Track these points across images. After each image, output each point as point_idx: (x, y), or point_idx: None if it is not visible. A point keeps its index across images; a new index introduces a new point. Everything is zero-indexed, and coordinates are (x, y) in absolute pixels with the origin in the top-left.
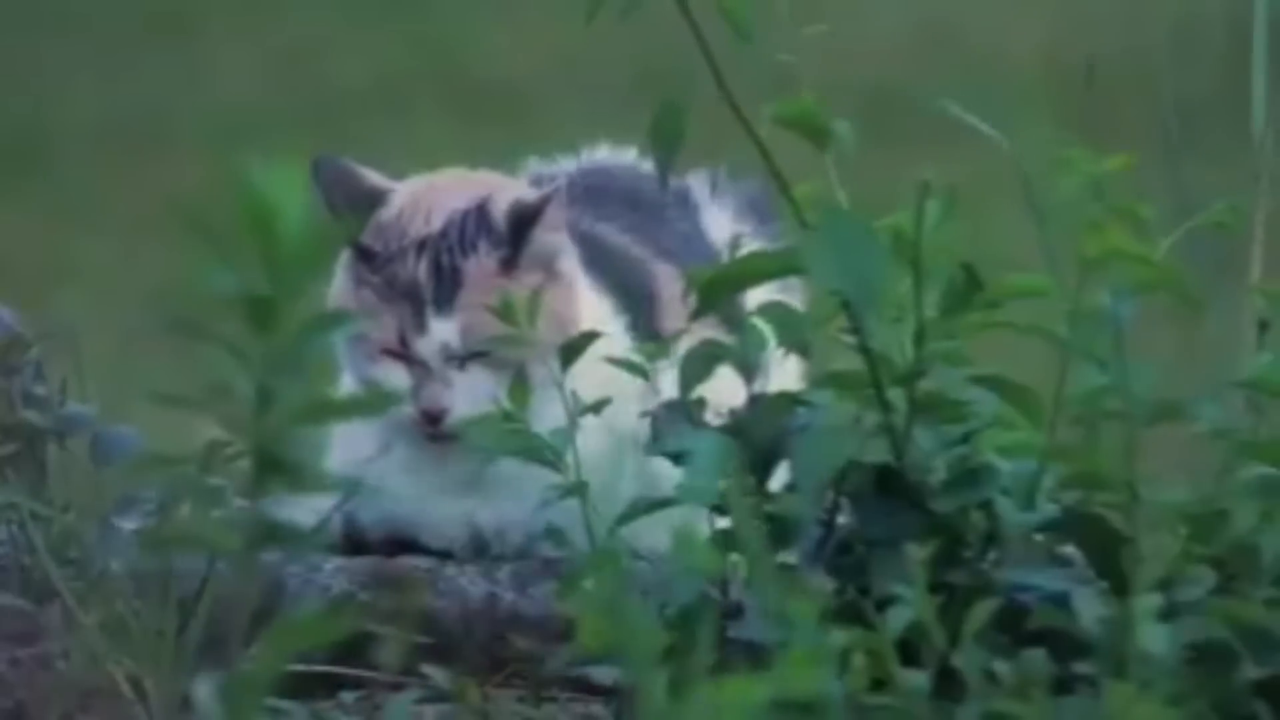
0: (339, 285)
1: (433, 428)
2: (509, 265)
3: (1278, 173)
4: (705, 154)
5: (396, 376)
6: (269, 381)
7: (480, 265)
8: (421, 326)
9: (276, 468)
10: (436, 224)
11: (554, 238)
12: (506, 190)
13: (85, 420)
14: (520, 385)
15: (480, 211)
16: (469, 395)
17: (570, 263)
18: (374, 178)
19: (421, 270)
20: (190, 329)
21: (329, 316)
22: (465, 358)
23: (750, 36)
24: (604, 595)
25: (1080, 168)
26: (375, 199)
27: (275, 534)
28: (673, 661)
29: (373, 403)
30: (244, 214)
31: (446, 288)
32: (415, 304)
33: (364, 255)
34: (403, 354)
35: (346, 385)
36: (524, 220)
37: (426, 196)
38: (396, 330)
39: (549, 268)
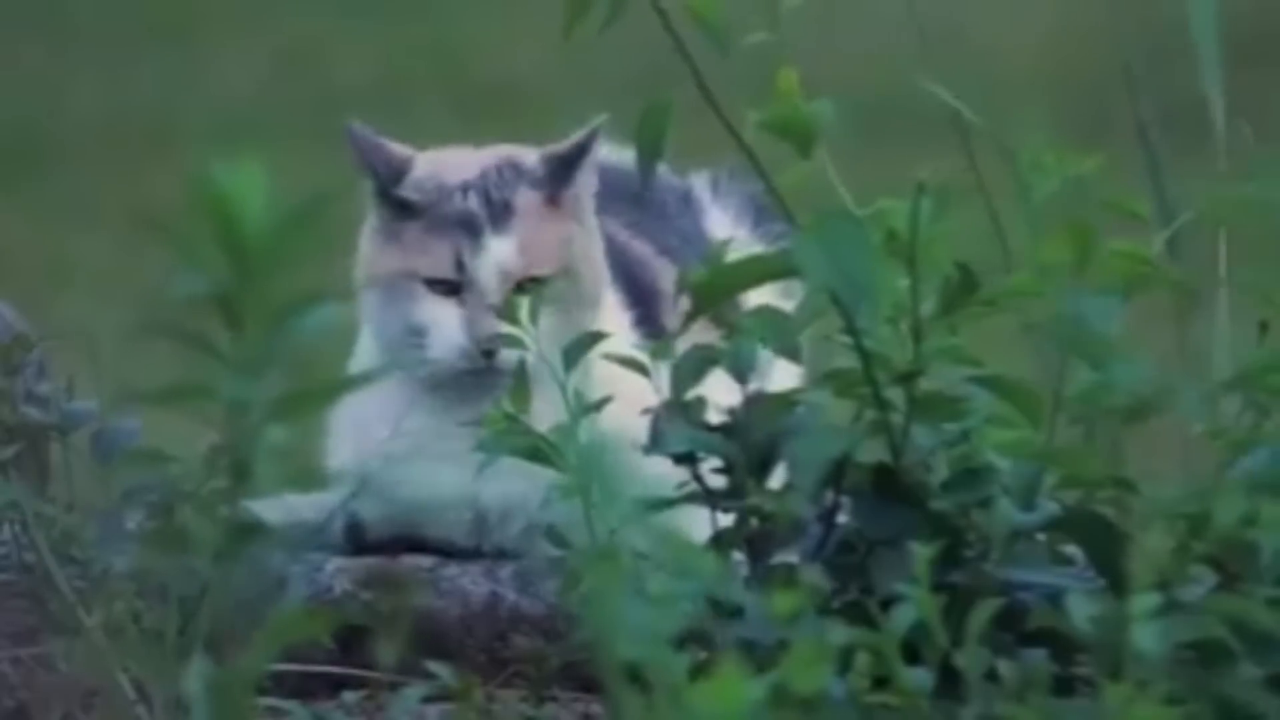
0: (368, 251)
1: (486, 360)
2: (553, 202)
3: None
4: (708, 154)
5: (446, 314)
6: (240, 379)
7: (527, 199)
8: (479, 247)
9: (247, 467)
10: (473, 173)
11: (591, 179)
12: (523, 153)
13: (87, 416)
14: (521, 385)
15: (512, 163)
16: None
17: (593, 218)
18: (397, 145)
19: (473, 202)
20: (168, 329)
21: (296, 307)
22: (521, 284)
23: (725, 44)
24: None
25: (1058, 168)
26: (400, 163)
27: (260, 534)
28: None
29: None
30: (208, 213)
31: (499, 214)
32: (471, 229)
33: (403, 207)
34: (458, 283)
35: (366, 353)
36: (564, 163)
37: (450, 158)
38: (452, 256)
39: (581, 219)
